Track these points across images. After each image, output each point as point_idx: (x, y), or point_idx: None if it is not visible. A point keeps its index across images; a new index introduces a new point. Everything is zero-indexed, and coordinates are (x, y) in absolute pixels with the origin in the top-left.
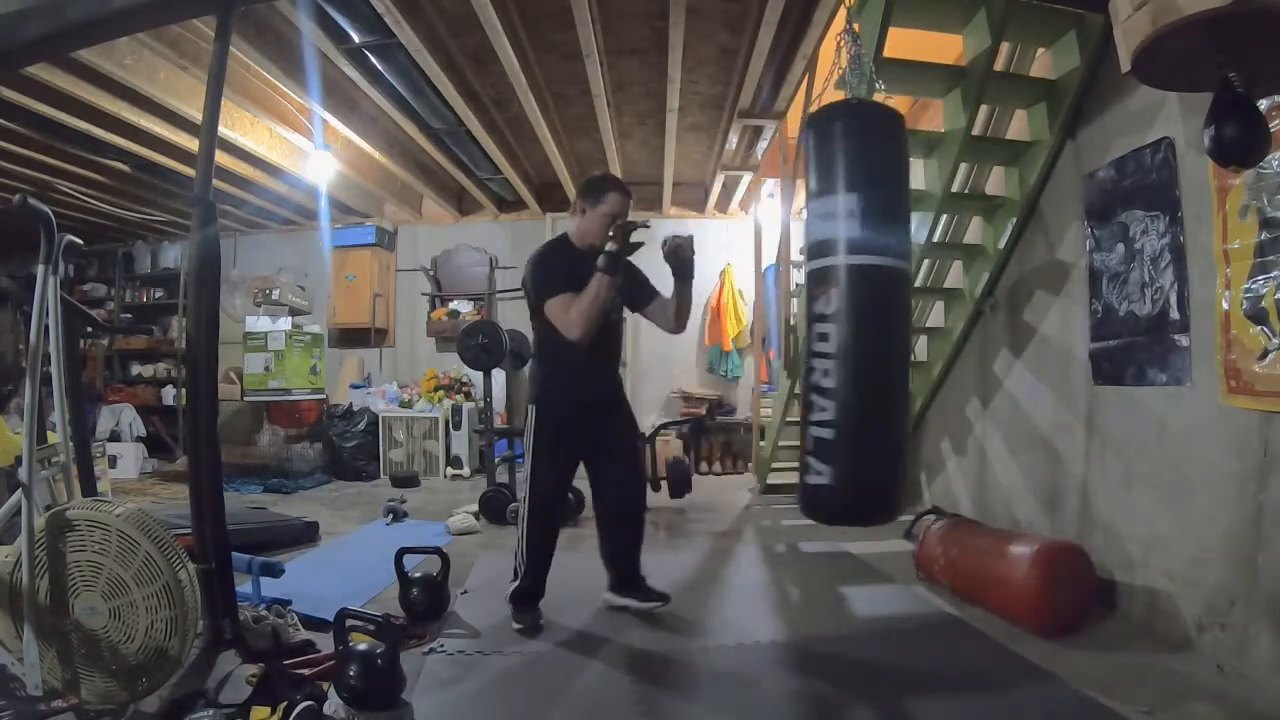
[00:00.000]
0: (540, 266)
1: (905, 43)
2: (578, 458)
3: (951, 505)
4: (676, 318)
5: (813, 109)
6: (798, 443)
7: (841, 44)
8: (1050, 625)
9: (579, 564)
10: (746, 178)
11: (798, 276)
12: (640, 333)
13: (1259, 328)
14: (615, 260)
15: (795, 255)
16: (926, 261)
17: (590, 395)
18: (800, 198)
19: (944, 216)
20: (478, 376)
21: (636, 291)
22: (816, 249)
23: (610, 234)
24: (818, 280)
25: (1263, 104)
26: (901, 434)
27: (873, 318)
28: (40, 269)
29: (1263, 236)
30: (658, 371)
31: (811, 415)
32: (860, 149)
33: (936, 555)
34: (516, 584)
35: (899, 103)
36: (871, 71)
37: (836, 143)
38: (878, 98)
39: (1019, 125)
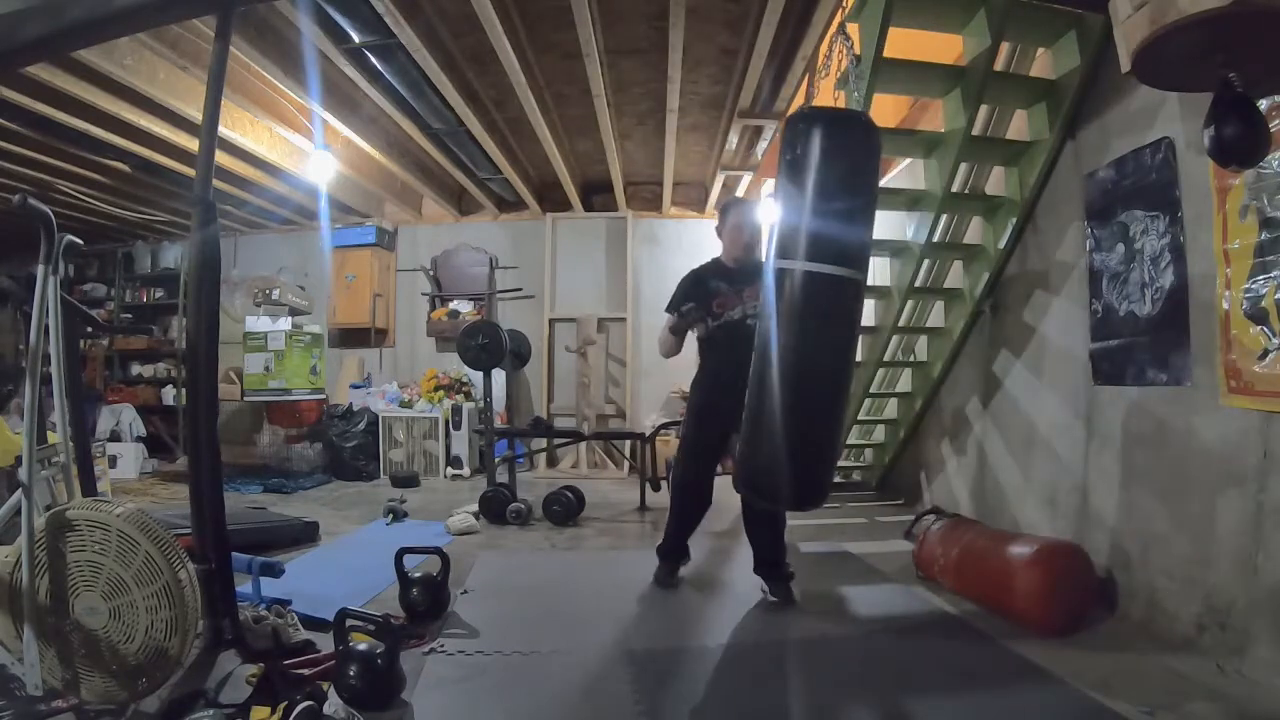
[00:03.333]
0: (679, 283)
1: (905, 43)
2: (715, 446)
3: (951, 505)
4: None
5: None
6: None
7: (838, 48)
8: (1050, 625)
9: (580, 564)
10: (746, 178)
11: None
12: (640, 333)
13: (1259, 328)
14: (679, 324)
15: None
16: (926, 261)
17: (725, 393)
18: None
19: (944, 216)
20: (478, 376)
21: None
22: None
23: (682, 311)
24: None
25: (1263, 104)
26: (820, 431)
27: (780, 316)
28: (40, 269)
29: (1263, 236)
30: (658, 371)
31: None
32: (819, 159)
33: (936, 555)
34: (661, 542)
35: (899, 103)
36: (855, 74)
37: (795, 150)
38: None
39: (1019, 125)
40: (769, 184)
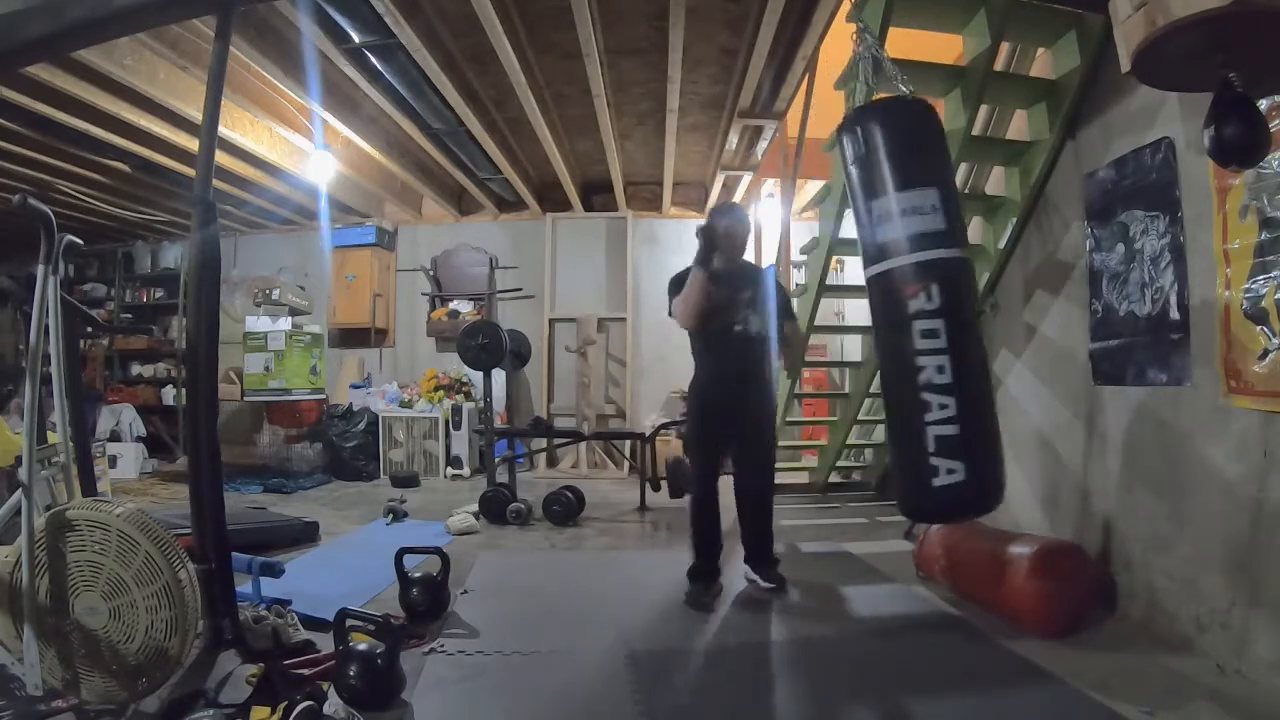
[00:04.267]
0: (670, 284)
1: (905, 43)
2: (718, 449)
3: None
4: (786, 351)
5: (858, 105)
6: (798, 443)
7: (855, 42)
8: (1050, 625)
9: (579, 564)
10: (746, 178)
11: (798, 276)
12: (641, 333)
13: (1259, 328)
14: (701, 257)
15: (796, 255)
16: None
17: (717, 396)
18: (800, 198)
19: None
20: (478, 376)
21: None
22: (916, 242)
23: (696, 236)
24: (916, 277)
25: (1263, 104)
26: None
27: (965, 309)
28: (40, 269)
29: (1263, 236)
30: (658, 371)
31: (930, 415)
32: (933, 143)
33: (936, 555)
34: (691, 565)
35: None
36: (892, 68)
37: (911, 136)
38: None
39: (1019, 125)
40: (769, 184)
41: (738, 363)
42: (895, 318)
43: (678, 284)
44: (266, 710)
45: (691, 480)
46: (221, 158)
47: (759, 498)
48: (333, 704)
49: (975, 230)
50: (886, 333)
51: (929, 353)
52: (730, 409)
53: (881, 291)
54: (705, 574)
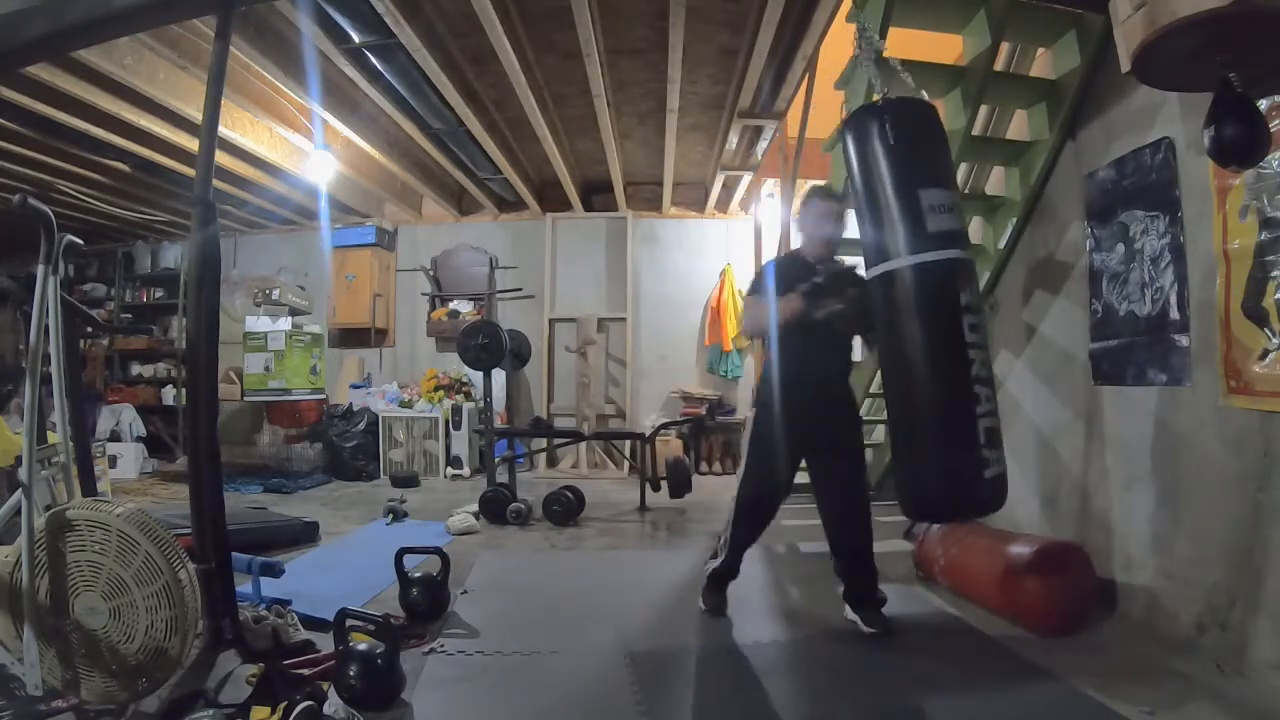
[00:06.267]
0: (764, 271)
1: (905, 43)
2: (790, 460)
3: None
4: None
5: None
6: None
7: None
8: (1050, 625)
9: (580, 564)
10: (746, 178)
11: None
12: (640, 333)
13: (1259, 328)
14: (807, 302)
15: None
16: None
17: (802, 397)
18: (800, 198)
19: None
20: (478, 376)
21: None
22: (950, 239)
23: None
24: (965, 271)
25: (1263, 104)
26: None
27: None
28: (40, 269)
29: (1263, 236)
30: (658, 371)
31: (980, 408)
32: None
33: (936, 555)
34: (715, 564)
35: None
36: (896, 67)
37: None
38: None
39: (1019, 125)
40: (769, 184)
41: (824, 367)
42: (947, 310)
43: (759, 280)
44: (266, 710)
45: (747, 482)
46: (221, 158)
47: (859, 528)
48: (333, 704)
49: (975, 230)
50: (932, 326)
51: (976, 346)
52: (812, 419)
53: (928, 283)
54: (731, 575)
